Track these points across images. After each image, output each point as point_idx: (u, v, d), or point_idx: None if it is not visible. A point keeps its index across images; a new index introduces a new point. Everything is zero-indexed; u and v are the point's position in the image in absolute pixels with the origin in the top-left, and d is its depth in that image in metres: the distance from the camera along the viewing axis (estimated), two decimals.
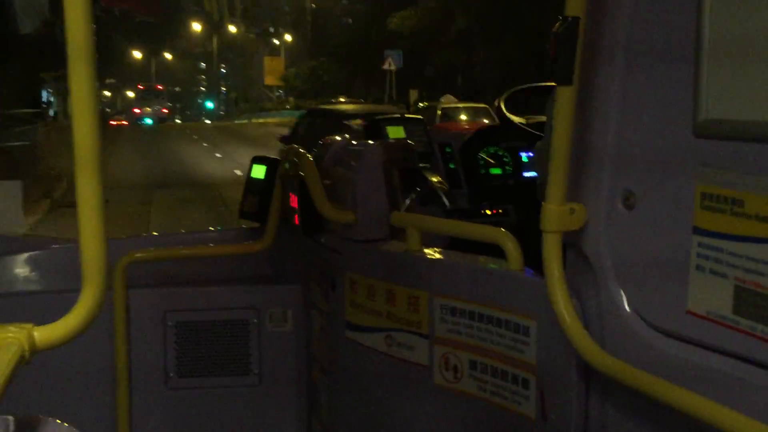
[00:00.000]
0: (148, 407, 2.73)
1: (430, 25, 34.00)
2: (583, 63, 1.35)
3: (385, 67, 30.31)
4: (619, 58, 1.37)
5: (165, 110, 57.79)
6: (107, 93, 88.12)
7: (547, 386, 1.60)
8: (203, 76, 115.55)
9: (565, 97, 1.33)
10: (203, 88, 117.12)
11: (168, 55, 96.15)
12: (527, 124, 3.05)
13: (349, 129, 12.92)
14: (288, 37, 69.76)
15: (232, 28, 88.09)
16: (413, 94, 29.10)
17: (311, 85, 50.52)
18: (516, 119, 3.08)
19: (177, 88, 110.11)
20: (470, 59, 32.04)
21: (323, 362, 2.51)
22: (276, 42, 75.51)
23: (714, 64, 1.19)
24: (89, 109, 0.99)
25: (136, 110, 57.28)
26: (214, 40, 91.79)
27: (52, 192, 14.48)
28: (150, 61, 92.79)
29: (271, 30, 78.61)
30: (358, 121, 13.27)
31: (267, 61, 62.68)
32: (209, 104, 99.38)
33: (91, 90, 0.99)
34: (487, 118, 19.90)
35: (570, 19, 1.31)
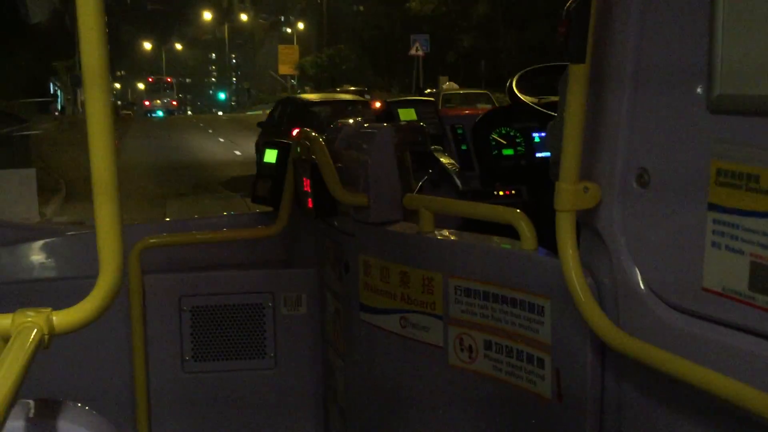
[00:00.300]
0: (164, 391, 2.76)
1: (450, 10, 33.28)
2: (596, 41, 1.34)
3: (412, 52, 28.86)
4: (631, 35, 1.36)
5: (174, 102, 57.49)
6: (117, 85, 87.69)
7: (563, 365, 1.60)
8: (213, 67, 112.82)
9: (578, 75, 1.33)
10: (214, 79, 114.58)
11: (178, 45, 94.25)
12: (539, 104, 3.03)
13: (314, 116, 14.97)
14: (300, 25, 67.73)
15: (243, 16, 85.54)
16: (443, 80, 27.52)
17: (329, 73, 48.86)
18: (528, 99, 3.07)
19: (188, 79, 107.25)
20: (494, 45, 31.58)
21: (338, 345, 2.52)
22: (288, 30, 73.22)
23: (728, 39, 1.18)
24: (101, 94, 1.00)
25: (146, 102, 57.48)
26: (225, 29, 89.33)
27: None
28: (160, 51, 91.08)
29: (282, 18, 76.27)
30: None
31: (281, 49, 59.59)
32: (221, 95, 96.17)
33: (104, 71, 1.00)
34: (486, 104, 20.27)
35: None
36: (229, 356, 2.81)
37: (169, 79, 61.16)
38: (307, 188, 2.59)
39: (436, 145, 2.80)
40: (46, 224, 2.89)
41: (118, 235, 1.04)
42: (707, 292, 1.24)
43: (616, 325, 1.38)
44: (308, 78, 55.61)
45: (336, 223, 2.46)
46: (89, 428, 1.00)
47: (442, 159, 2.77)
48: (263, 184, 2.93)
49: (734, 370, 1.16)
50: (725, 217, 1.20)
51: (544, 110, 2.89)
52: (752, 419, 1.11)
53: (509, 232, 1.77)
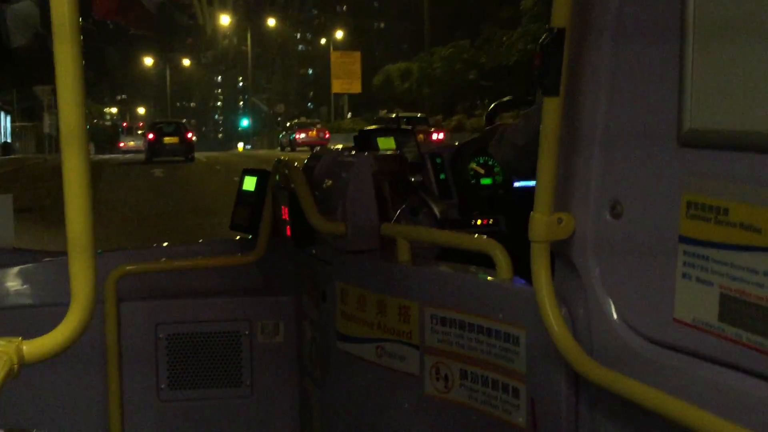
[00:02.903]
0: (140, 419, 2.73)
1: None
2: (569, 74, 1.37)
3: None
4: (604, 69, 1.39)
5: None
6: (114, 110, 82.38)
7: (537, 395, 1.61)
8: (219, 90, 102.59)
9: (552, 108, 1.35)
10: (219, 103, 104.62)
11: (186, 61, 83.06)
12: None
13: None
14: (339, 34, 53.51)
15: (271, 21, 68.98)
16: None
17: (445, 88, 35.54)
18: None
19: (192, 103, 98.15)
20: None
21: (315, 373, 2.51)
22: (332, 35, 54.64)
23: (697, 75, 1.20)
24: (77, 121, 1.00)
25: (121, 144, 48.87)
26: (248, 37, 70.63)
27: None
28: (165, 70, 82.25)
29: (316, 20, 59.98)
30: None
31: (335, 58, 40.49)
32: (244, 122, 76.89)
33: (79, 102, 1.00)
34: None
35: (556, 30, 1.33)
36: (205, 384, 2.78)
37: (141, 124, 57.90)
38: (286, 216, 2.60)
39: (415, 173, 2.81)
40: (20, 251, 2.86)
41: (91, 261, 1.04)
42: (678, 323, 1.26)
43: (589, 355, 1.39)
44: (394, 98, 38.84)
45: (314, 251, 2.46)
46: None
47: (420, 188, 2.78)
48: (242, 211, 2.93)
49: (705, 401, 1.17)
50: (695, 249, 1.22)
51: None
52: None
53: (486, 261, 1.78)
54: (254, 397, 2.80)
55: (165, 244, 3.03)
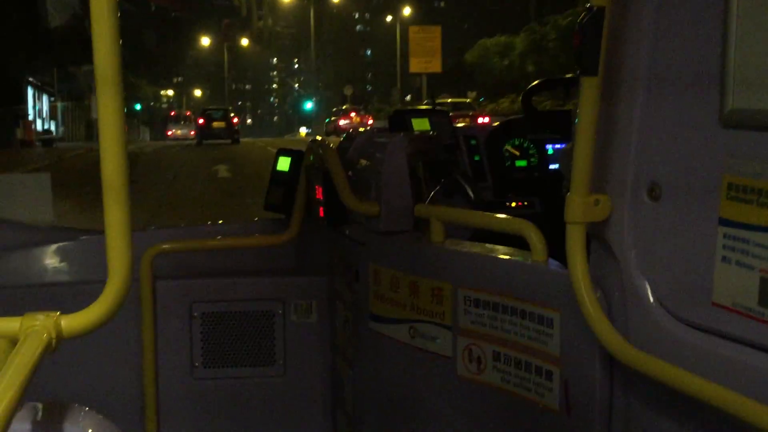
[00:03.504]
0: (174, 396, 2.76)
1: None
2: (609, 54, 1.34)
3: None
4: (644, 49, 1.36)
5: (191, 132, 43.94)
6: (171, 92, 79.49)
7: (571, 378, 1.60)
8: (274, 72, 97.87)
9: (590, 88, 1.33)
10: (275, 86, 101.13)
11: (245, 41, 79.96)
12: (550, 113, 3.03)
13: None
14: (407, 10, 49.43)
15: None
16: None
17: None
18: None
19: (247, 86, 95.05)
20: None
21: (347, 354, 2.52)
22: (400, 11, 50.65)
23: (741, 54, 1.17)
24: (114, 96, 1.00)
25: (169, 132, 50.32)
26: (311, 14, 66.10)
27: None
28: (223, 50, 77.90)
29: None
30: None
31: (413, 33, 34.70)
32: (308, 105, 70.05)
33: (116, 74, 1.00)
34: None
35: (595, 8, 1.31)
36: (238, 363, 2.81)
37: (188, 113, 57.96)
38: (319, 196, 2.60)
39: (449, 155, 2.80)
40: (59, 228, 2.90)
41: (128, 239, 1.05)
42: (717, 307, 1.24)
43: (625, 338, 1.37)
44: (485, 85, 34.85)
45: (347, 231, 2.46)
46: (97, 431, 1.00)
47: (455, 169, 2.77)
48: (276, 191, 2.94)
49: (743, 385, 1.15)
50: (736, 232, 1.20)
51: (556, 120, 2.88)
52: None
53: (520, 243, 1.77)
54: (287, 376, 2.82)
55: (203, 223, 3.06)
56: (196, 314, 2.77)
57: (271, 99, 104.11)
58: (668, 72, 1.33)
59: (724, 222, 1.21)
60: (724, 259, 1.22)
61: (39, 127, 37.68)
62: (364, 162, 2.37)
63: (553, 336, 1.63)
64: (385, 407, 2.26)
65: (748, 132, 1.18)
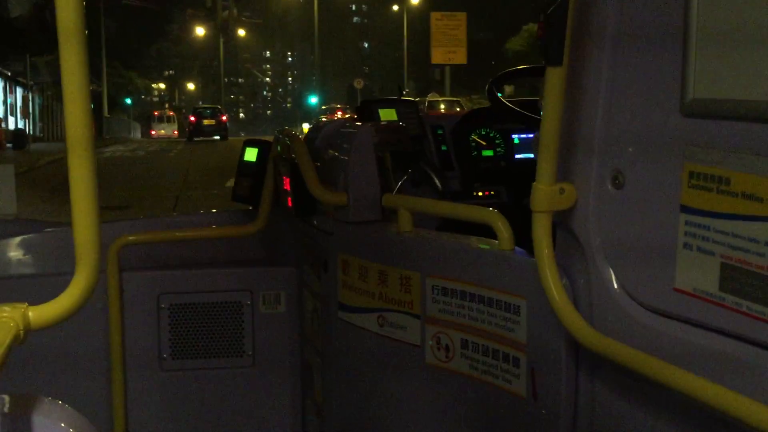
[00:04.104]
0: (142, 389, 2.75)
1: None
2: (573, 44, 1.36)
3: None
4: (607, 39, 1.38)
5: (175, 132, 47.95)
6: (162, 86, 79.13)
7: (538, 365, 1.62)
8: (267, 66, 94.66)
9: (554, 78, 1.34)
10: (268, 79, 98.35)
11: (241, 32, 76.48)
12: (516, 103, 3.05)
13: None
14: None
15: None
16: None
17: None
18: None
19: (239, 79, 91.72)
20: None
21: (316, 344, 2.53)
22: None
23: (702, 44, 1.20)
24: (80, 90, 1.00)
25: (152, 132, 51.81)
26: (315, 6, 59.47)
27: None
28: (218, 44, 73.45)
29: None
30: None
31: (435, 20, 30.66)
32: (312, 99, 62.38)
33: (83, 72, 0.99)
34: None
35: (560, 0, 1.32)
36: (207, 354, 2.80)
37: (171, 113, 57.45)
38: (287, 187, 2.60)
39: (416, 145, 2.81)
40: (23, 220, 2.87)
41: (95, 231, 1.04)
42: (679, 293, 1.26)
43: (590, 324, 1.39)
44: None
45: (315, 221, 2.47)
46: (65, 423, 1.00)
47: (422, 159, 2.78)
48: (243, 182, 2.93)
49: (705, 369, 1.18)
50: (697, 219, 1.22)
51: (523, 111, 2.91)
52: (723, 418, 1.13)
53: (488, 232, 1.79)
54: (256, 367, 2.82)
55: (170, 214, 3.04)
56: (164, 305, 2.76)
57: (264, 92, 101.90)
58: (631, 62, 1.35)
59: (686, 209, 1.24)
60: (685, 245, 1.24)
61: (12, 124, 34.21)
62: (331, 152, 2.37)
63: (519, 323, 1.65)
64: (354, 396, 2.27)
65: (708, 121, 1.20)
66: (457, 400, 1.87)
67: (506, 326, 1.69)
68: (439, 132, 3.05)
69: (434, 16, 31.36)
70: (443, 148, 3.03)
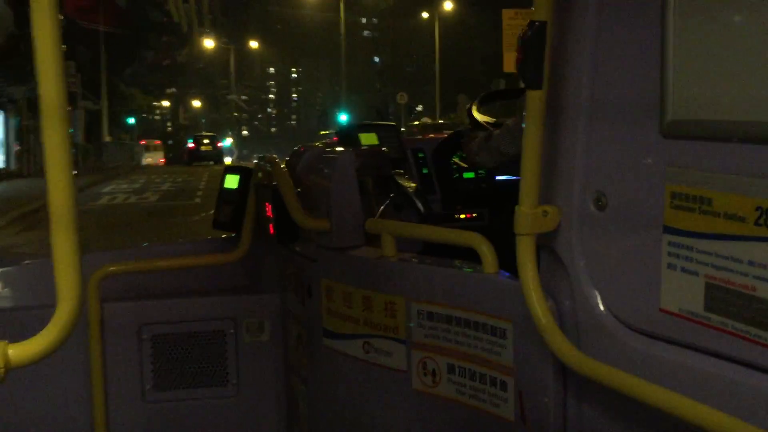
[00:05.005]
0: (125, 421, 2.71)
1: None
2: (552, 67, 1.37)
3: None
4: (586, 62, 1.39)
5: (161, 160, 48.80)
6: (166, 103, 78.07)
7: (525, 388, 1.61)
8: (272, 82, 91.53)
9: (535, 101, 1.35)
10: (272, 96, 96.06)
11: (253, 43, 75.16)
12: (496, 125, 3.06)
13: None
14: None
15: None
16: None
17: None
18: (482, 118, 3.09)
19: (243, 96, 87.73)
20: None
21: (301, 371, 2.51)
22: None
23: (679, 66, 1.20)
24: (58, 116, 0.99)
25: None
26: (341, 11, 50.37)
27: None
28: (229, 55, 70.29)
29: None
30: None
31: (508, 19, 23.43)
32: (341, 117, 47.66)
33: (62, 103, 0.99)
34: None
35: (537, 23, 1.33)
36: (190, 384, 2.77)
37: (157, 142, 57.59)
38: (269, 213, 2.59)
39: (397, 169, 2.81)
40: (3, 253, 2.84)
41: (77, 265, 1.03)
42: (665, 313, 1.26)
43: (577, 347, 1.39)
44: None
45: (298, 248, 2.45)
46: None
47: (404, 183, 2.78)
48: (225, 209, 2.91)
49: (692, 390, 1.18)
50: (680, 240, 1.22)
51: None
52: None
53: (471, 255, 1.78)
54: (241, 396, 2.79)
55: (147, 244, 3.01)
56: (145, 336, 2.73)
57: (269, 109, 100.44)
58: (611, 84, 1.36)
59: (669, 230, 1.24)
60: (669, 266, 1.25)
61: None
62: (313, 178, 2.36)
63: (506, 347, 1.65)
64: (340, 424, 2.25)
65: (687, 142, 1.21)
66: (444, 426, 1.85)
67: (493, 350, 1.68)
68: (421, 155, 3.05)
69: (506, 14, 26.03)
70: (425, 170, 3.03)
